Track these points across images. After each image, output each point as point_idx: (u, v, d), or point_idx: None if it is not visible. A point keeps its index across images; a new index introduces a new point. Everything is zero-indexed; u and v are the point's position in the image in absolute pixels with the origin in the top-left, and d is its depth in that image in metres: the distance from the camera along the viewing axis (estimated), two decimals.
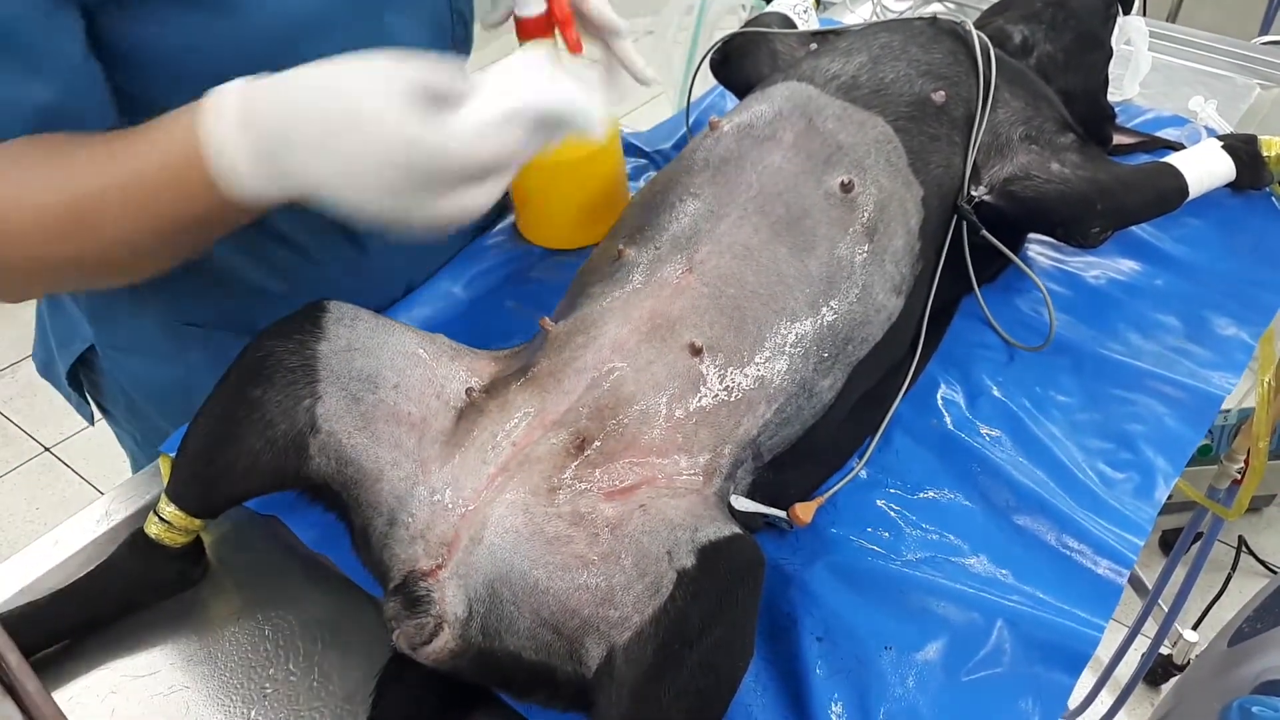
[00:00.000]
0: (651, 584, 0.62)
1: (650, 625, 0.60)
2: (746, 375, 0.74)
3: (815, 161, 0.83)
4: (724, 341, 0.74)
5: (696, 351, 0.73)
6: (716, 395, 0.73)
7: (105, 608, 0.76)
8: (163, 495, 0.74)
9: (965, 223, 0.91)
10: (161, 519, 0.74)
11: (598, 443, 0.70)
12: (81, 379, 1.04)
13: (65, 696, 0.73)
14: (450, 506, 0.68)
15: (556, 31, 0.95)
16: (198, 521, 0.75)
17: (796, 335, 0.76)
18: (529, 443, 0.70)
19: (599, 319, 0.76)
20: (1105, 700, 1.81)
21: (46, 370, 1.07)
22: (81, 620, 0.76)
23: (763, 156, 0.84)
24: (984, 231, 0.90)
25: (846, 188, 0.81)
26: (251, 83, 0.60)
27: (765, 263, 0.77)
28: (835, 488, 0.81)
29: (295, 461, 0.72)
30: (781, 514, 0.76)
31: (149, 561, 0.75)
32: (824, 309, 0.78)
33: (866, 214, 0.81)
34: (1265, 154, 1.06)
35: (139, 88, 0.76)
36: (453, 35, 0.94)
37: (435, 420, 0.73)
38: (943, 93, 0.90)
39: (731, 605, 0.61)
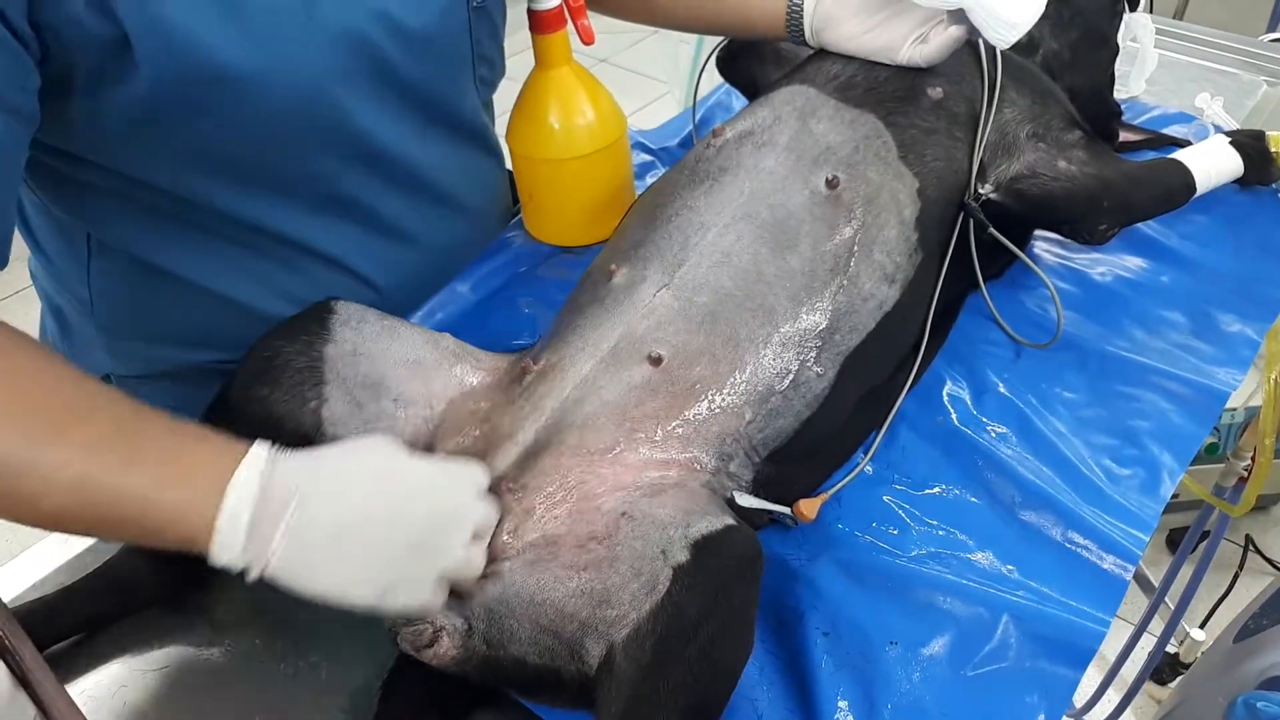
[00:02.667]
0: (647, 582, 0.62)
1: (648, 621, 0.61)
2: (715, 371, 0.74)
3: (804, 162, 0.84)
4: (690, 345, 0.75)
5: (656, 361, 0.74)
6: (678, 394, 0.73)
7: (113, 605, 0.77)
8: None
9: (972, 220, 0.91)
10: None
11: (568, 467, 0.70)
12: None
13: (77, 690, 0.73)
14: None
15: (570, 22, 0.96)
16: None
17: (775, 329, 0.77)
18: (505, 475, 0.71)
19: (573, 353, 0.76)
20: (1112, 698, 1.80)
21: None
22: (90, 617, 0.76)
23: (758, 162, 0.85)
24: (991, 229, 0.90)
25: (832, 184, 0.82)
26: (274, 481, 0.59)
27: (744, 265, 0.78)
28: (840, 484, 0.81)
29: None
30: (786, 510, 0.76)
31: (156, 559, 0.76)
32: (806, 302, 0.78)
33: (853, 208, 0.82)
34: (1273, 150, 1.06)
35: (124, 161, 0.77)
36: (475, 75, 0.95)
37: (422, 443, 0.74)
38: (940, 89, 0.91)
39: (729, 597, 0.62)
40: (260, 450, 0.60)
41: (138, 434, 0.59)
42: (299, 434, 0.71)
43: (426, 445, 0.74)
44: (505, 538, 0.68)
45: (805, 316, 0.78)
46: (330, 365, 0.73)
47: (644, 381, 0.73)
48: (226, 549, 0.58)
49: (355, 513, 0.60)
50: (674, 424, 0.73)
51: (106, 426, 0.59)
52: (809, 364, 0.78)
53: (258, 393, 0.71)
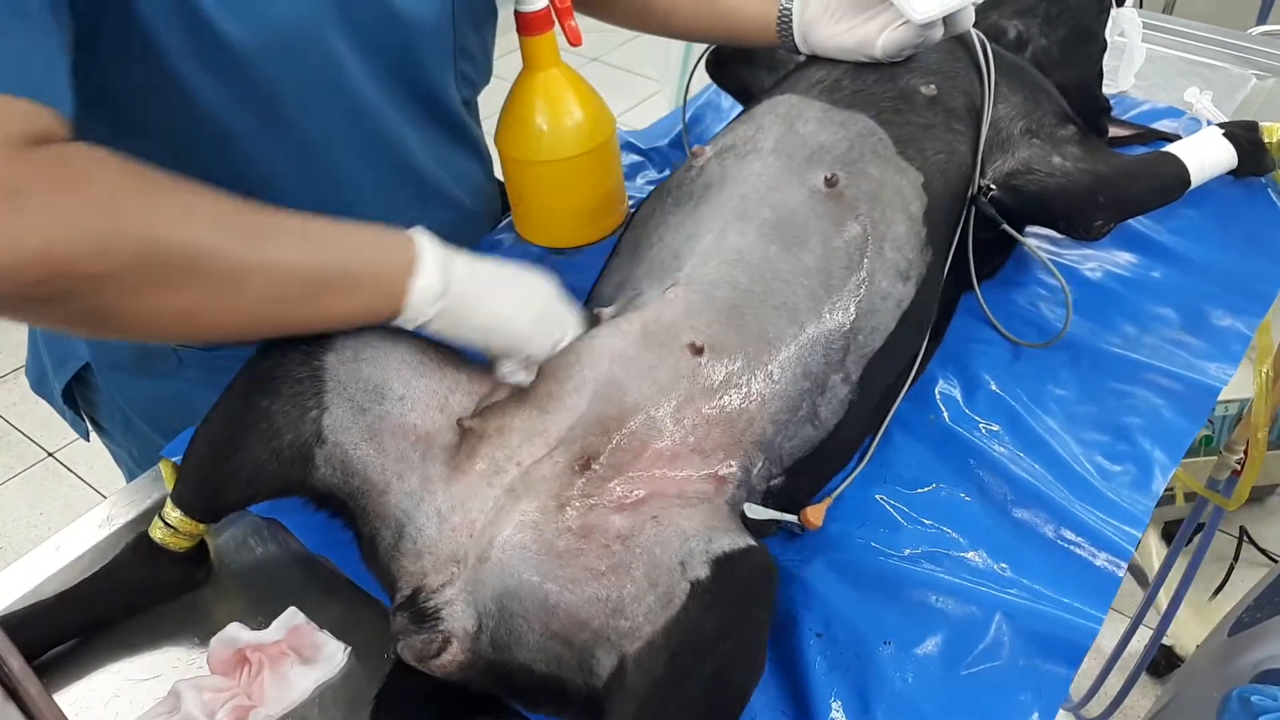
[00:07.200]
0: (664, 594, 0.61)
1: (662, 635, 0.60)
2: (753, 371, 0.74)
3: (795, 162, 0.84)
4: (725, 339, 0.74)
5: (698, 350, 0.73)
6: (725, 394, 0.73)
7: (109, 610, 0.77)
8: (168, 500, 0.74)
9: (969, 217, 0.91)
10: (166, 524, 0.74)
11: (604, 457, 0.69)
12: (77, 396, 1.04)
13: (68, 700, 0.73)
14: (458, 526, 0.68)
15: (557, 24, 0.95)
16: (201, 526, 0.75)
17: (801, 328, 0.76)
18: (533, 463, 0.70)
19: (589, 339, 0.76)
20: (1109, 692, 1.81)
21: (40, 386, 1.07)
22: (85, 622, 0.76)
23: (744, 169, 0.84)
24: (1005, 225, 0.90)
25: (831, 182, 0.81)
26: (447, 252, 0.71)
27: (756, 262, 0.78)
28: (840, 488, 0.81)
29: (301, 471, 0.71)
30: (793, 518, 0.76)
31: (152, 565, 0.76)
32: (826, 300, 0.78)
33: (857, 204, 0.81)
34: (1266, 140, 1.06)
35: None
36: (456, 68, 0.94)
37: (439, 436, 0.72)
38: (933, 86, 0.91)
39: (745, 617, 0.61)
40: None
41: (314, 223, 0.67)
42: (299, 443, 0.71)
43: (444, 443, 0.72)
44: (574, 490, 0.68)
45: (829, 316, 0.77)
46: (331, 373, 0.72)
47: (691, 372, 0.72)
48: (426, 277, 0.68)
49: (505, 275, 0.74)
50: (720, 431, 0.72)
51: (282, 220, 0.66)
52: (836, 368, 0.77)
53: (258, 404, 0.70)
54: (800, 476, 0.77)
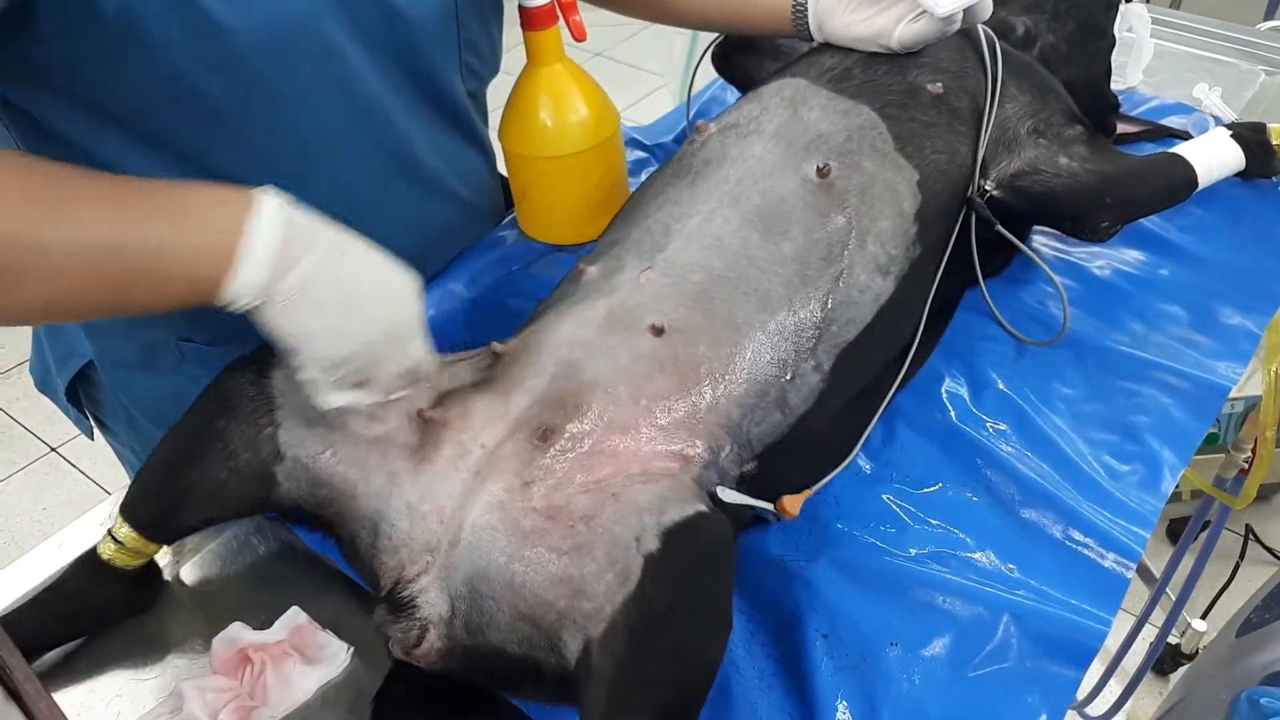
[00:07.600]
0: (621, 572, 0.62)
1: (620, 615, 0.60)
2: (718, 354, 0.74)
3: (794, 149, 0.83)
4: (691, 323, 0.74)
5: (659, 332, 0.73)
6: (686, 375, 0.73)
7: (56, 630, 0.76)
8: (117, 515, 0.74)
9: (975, 215, 0.90)
10: (115, 540, 0.73)
11: (564, 431, 0.70)
12: (80, 394, 1.03)
13: (69, 700, 0.73)
14: (428, 514, 0.69)
15: (561, 20, 0.95)
16: (152, 545, 0.74)
17: (771, 315, 0.76)
18: (496, 443, 0.70)
19: (552, 324, 0.76)
20: (1114, 690, 1.80)
21: (44, 385, 1.07)
22: (34, 641, 0.74)
23: (744, 150, 0.84)
24: (999, 226, 0.90)
25: (823, 172, 0.81)
26: (296, 233, 0.64)
27: (734, 248, 0.78)
28: (825, 479, 0.80)
29: (264, 489, 0.72)
30: (769, 506, 0.75)
31: (97, 583, 0.75)
32: (800, 289, 0.77)
33: (845, 196, 0.81)
34: (1274, 142, 1.05)
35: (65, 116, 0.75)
36: (461, 60, 0.94)
37: (395, 435, 0.73)
38: (940, 84, 0.90)
39: (699, 585, 0.61)
40: (273, 195, 0.64)
41: (142, 195, 0.62)
42: (258, 461, 0.71)
43: (405, 441, 0.72)
44: (538, 468, 0.68)
45: (801, 305, 0.77)
46: (279, 389, 0.73)
47: (651, 352, 0.73)
48: (249, 273, 0.62)
49: (358, 282, 0.67)
50: (681, 410, 0.72)
51: (109, 194, 0.61)
52: (806, 356, 0.77)
53: (215, 425, 0.71)
54: (774, 464, 0.77)
